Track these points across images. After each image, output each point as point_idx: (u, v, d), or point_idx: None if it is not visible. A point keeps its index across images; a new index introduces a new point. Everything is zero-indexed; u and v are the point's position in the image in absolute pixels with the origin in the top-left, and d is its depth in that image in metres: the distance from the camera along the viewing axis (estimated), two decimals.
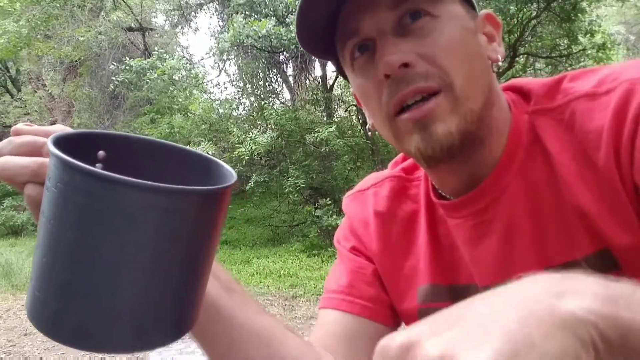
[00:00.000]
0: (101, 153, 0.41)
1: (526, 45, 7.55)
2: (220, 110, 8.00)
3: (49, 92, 11.56)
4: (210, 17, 10.90)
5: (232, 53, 7.70)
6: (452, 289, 0.62)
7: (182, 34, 14.19)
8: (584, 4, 7.20)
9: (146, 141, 0.44)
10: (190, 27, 11.13)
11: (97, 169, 0.32)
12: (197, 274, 0.37)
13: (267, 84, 9.91)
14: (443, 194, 0.62)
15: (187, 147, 0.45)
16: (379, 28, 0.52)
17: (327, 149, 7.09)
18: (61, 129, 0.42)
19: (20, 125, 0.43)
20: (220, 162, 0.43)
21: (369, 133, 0.61)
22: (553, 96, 0.55)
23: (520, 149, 0.56)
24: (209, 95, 8.68)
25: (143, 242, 0.33)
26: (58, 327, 0.34)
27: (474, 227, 0.58)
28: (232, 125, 7.57)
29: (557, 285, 0.29)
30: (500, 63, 0.58)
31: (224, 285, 0.52)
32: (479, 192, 0.57)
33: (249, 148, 6.57)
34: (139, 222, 0.32)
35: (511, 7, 6.79)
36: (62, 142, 0.35)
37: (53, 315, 0.34)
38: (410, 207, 0.66)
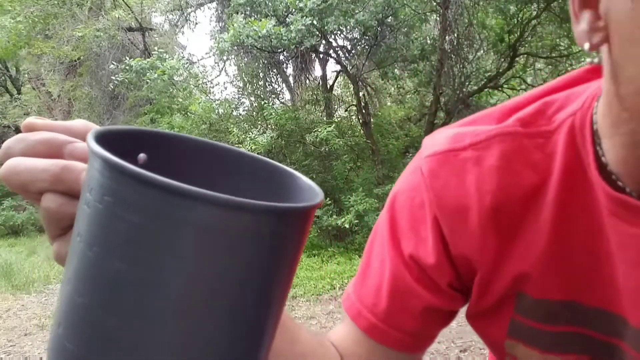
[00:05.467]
0: (142, 156, 0.32)
1: (526, 45, 7.55)
2: (220, 110, 8.00)
3: (49, 92, 11.56)
4: (210, 17, 10.89)
5: (232, 53, 7.70)
6: (571, 307, 0.45)
7: (182, 33, 14.20)
8: None
9: (194, 142, 0.35)
10: (190, 27, 11.13)
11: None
12: (275, 316, 0.29)
13: (267, 84, 9.89)
14: (618, 181, 0.40)
15: (252, 154, 0.36)
16: None
17: (327, 149, 7.09)
18: (83, 124, 0.35)
19: (34, 119, 0.33)
20: (296, 173, 0.34)
21: (594, 61, 0.38)
22: None
23: None
24: (209, 95, 8.67)
25: (223, 278, 0.25)
26: None
27: None
28: (232, 125, 7.57)
29: None
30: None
31: None
32: None
33: (249, 148, 6.57)
34: (222, 252, 0.24)
35: (511, 7, 6.80)
36: (103, 141, 0.26)
37: None
38: (530, 179, 0.44)
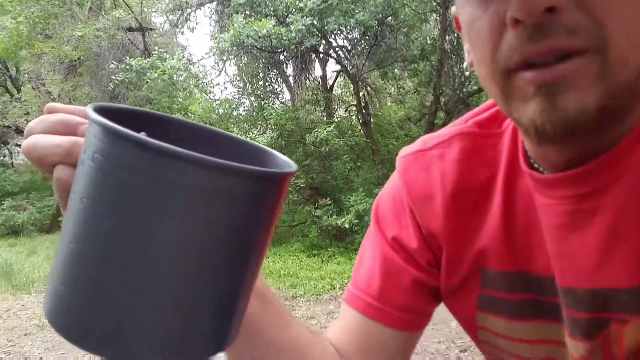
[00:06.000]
0: (142, 134, 0.36)
1: None
2: (220, 110, 8.00)
3: (49, 91, 11.55)
4: (210, 17, 10.90)
5: (232, 53, 7.70)
6: (523, 277, 0.51)
7: (182, 33, 14.20)
8: None
9: (189, 125, 0.39)
10: (190, 27, 11.14)
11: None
12: (250, 278, 0.32)
13: (267, 84, 9.90)
14: (534, 163, 0.49)
15: (238, 136, 0.40)
16: None
17: (327, 149, 7.09)
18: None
19: (55, 104, 0.39)
20: (276, 152, 0.38)
21: (467, 72, 0.48)
22: None
23: None
24: (209, 95, 8.68)
25: (199, 235, 0.27)
26: (84, 331, 0.28)
27: (569, 214, 0.46)
28: (232, 125, 7.57)
29: None
30: None
31: (258, 295, 0.46)
32: (586, 173, 0.43)
33: None
34: (199, 210, 0.27)
35: None
36: (102, 113, 0.30)
37: (78, 317, 0.28)
38: (484, 173, 0.53)
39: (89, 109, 0.30)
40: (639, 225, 0.43)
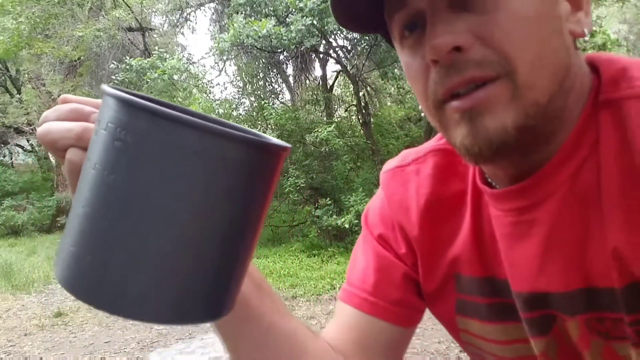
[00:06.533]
0: None
1: None
2: (220, 110, 8.00)
3: (49, 91, 11.55)
4: (210, 17, 10.90)
5: (232, 53, 7.70)
6: (491, 282, 0.55)
7: (182, 34, 14.19)
8: None
9: (193, 114, 0.40)
10: (190, 27, 11.14)
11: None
12: (245, 248, 0.34)
13: (267, 84, 9.91)
14: (488, 178, 0.54)
15: (233, 123, 0.41)
16: (431, 0, 0.43)
17: (327, 149, 7.09)
18: None
19: (68, 95, 0.42)
20: (270, 137, 0.40)
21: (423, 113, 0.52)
22: (617, 82, 0.45)
23: (583, 147, 0.46)
24: (208, 95, 8.68)
25: (202, 198, 0.29)
26: (94, 288, 0.30)
27: (512, 224, 0.51)
28: None
29: None
30: (587, 38, 0.48)
31: (255, 284, 0.49)
32: (522, 189, 0.49)
33: None
34: (205, 174, 0.29)
35: None
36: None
37: (89, 275, 0.30)
38: (457, 186, 0.58)
39: (104, 86, 0.32)
40: (572, 238, 0.47)
